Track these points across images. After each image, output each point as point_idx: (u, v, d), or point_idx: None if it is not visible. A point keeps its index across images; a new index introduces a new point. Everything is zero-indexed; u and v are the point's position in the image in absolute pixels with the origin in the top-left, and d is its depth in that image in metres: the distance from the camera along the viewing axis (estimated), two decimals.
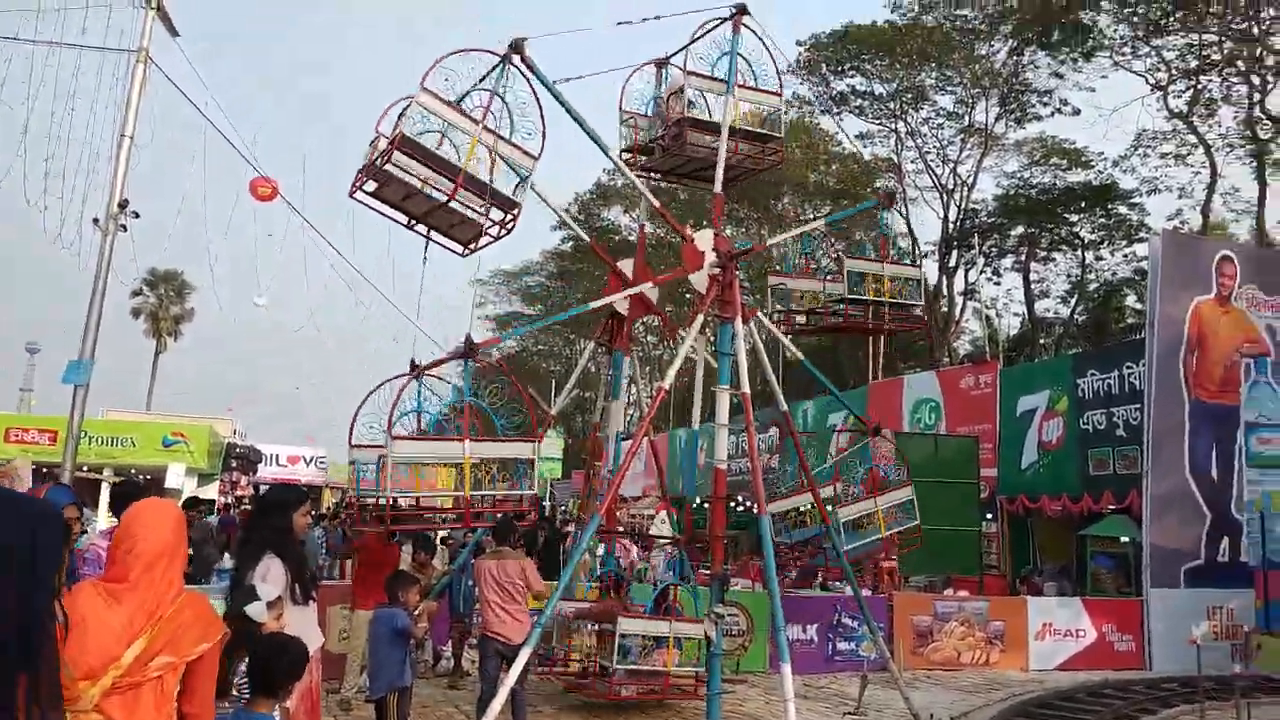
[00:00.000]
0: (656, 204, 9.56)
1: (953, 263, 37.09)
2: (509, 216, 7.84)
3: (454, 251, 8.15)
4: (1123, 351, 17.38)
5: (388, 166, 7.26)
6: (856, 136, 38.77)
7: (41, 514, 1.26)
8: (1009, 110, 32.92)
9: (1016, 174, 35.48)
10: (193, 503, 10.15)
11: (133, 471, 24.56)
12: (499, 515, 7.13)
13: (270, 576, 4.55)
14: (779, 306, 10.41)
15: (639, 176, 9.80)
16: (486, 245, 8.11)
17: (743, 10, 9.37)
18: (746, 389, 8.31)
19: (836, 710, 9.37)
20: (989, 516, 19.28)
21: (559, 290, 48.34)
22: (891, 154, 37.73)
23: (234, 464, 30.18)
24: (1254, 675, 10.79)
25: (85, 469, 23.97)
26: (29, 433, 24.23)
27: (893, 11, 33.14)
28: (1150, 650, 13.02)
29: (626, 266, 9.61)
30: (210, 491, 28.40)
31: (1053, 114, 31.96)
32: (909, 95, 35.48)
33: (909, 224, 38.74)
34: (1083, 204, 33.67)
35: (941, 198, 36.88)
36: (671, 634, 8.09)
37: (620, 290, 9.44)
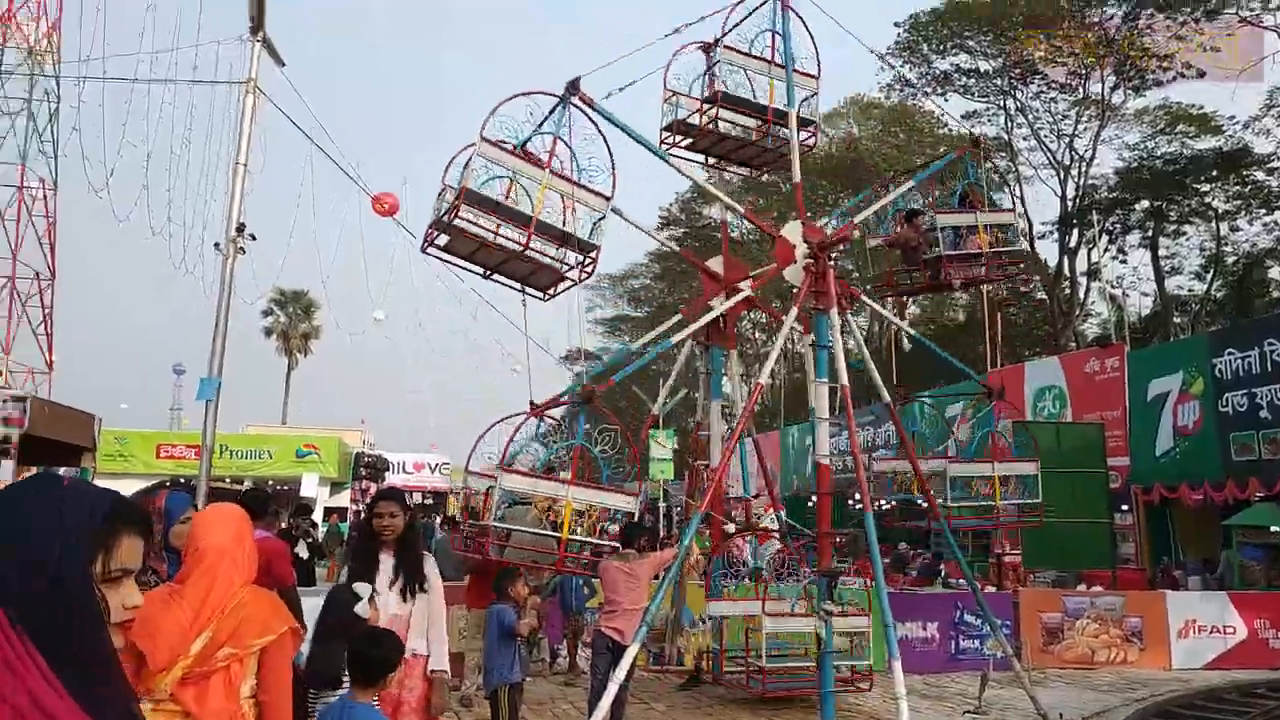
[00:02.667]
0: (726, 200, 9.58)
1: (1073, 242, 35.38)
2: (588, 259, 7.81)
3: (535, 297, 8.11)
4: (1264, 327, 16.17)
5: (456, 221, 7.22)
6: (963, 116, 37.47)
7: (80, 500, 1.34)
8: (1126, 78, 31.13)
9: (1139, 145, 33.58)
10: (303, 510, 10.66)
11: (269, 482, 26.01)
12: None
13: (382, 570, 4.71)
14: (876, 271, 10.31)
15: (693, 163, 9.76)
16: (567, 289, 8.09)
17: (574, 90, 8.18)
18: (845, 381, 8.13)
19: (958, 710, 9.05)
20: (1124, 508, 18.30)
21: (663, 291, 48.50)
22: (1001, 132, 36.29)
23: (363, 472, 31.51)
24: None
25: (228, 480, 25.55)
26: (177, 448, 25.98)
27: None
28: None
29: (717, 264, 9.57)
30: (343, 499, 29.81)
31: (1174, 79, 30.04)
32: (1017, 70, 33.99)
33: (1024, 203, 37.20)
34: (1214, 172, 31.56)
35: (1058, 174, 35.26)
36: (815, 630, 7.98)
37: (714, 288, 9.43)
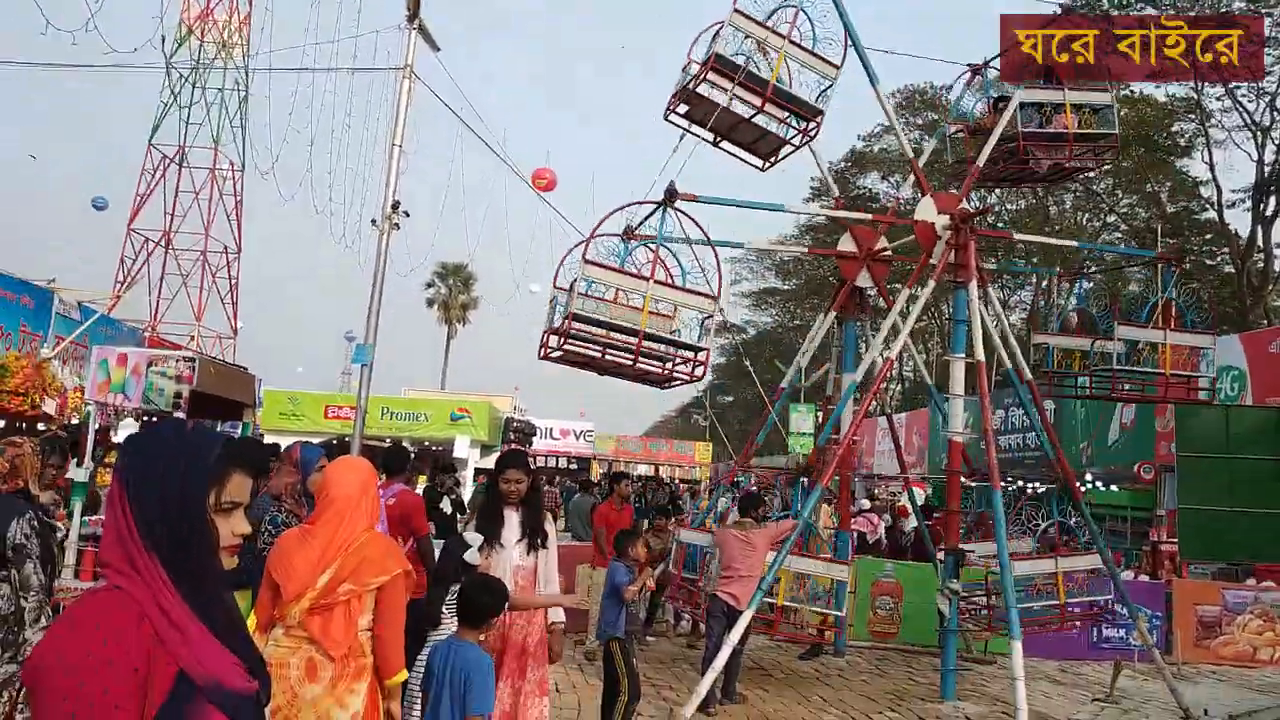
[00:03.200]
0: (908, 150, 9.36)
1: (1269, 211, 32.30)
2: (812, 125, 8.56)
3: (755, 166, 8.99)
4: None
5: (700, 88, 8.06)
6: (1147, 76, 34.77)
7: (195, 440, 1.61)
8: None
9: None
10: (447, 469, 11.37)
11: (425, 443, 27.62)
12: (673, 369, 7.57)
13: (508, 525, 5.06)
14: (1043, 369, 9.88)
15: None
16: (787, 155, 8.86)
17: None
18: (981, 356, 7.92)
19: (1089, 698, 8.72)
20: None
21: (812, 263, 47.69)
22: (1191, 92, 33.44)
23: (512, 436, 32.87)
24: None
25: (387, 441, 27.26)
26: (343, 409, 27.87)
27: None
28: None
29: (847, 242, 9.47)
30: (492, 461, 31.24)
31: None
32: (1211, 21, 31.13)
33: (1213, 171, 34.26)
34: None
35: (1255, 137, 32.21)
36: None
37: (853, 264, 9.34)
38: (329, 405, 27.86)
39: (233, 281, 34.61)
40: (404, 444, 13.27)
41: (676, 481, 38.65)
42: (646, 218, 7.93)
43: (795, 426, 28.84)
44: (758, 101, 8.08)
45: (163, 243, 33.84)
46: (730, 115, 8.28)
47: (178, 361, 6.78)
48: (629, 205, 7.73)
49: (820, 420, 10.68)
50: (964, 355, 8.04)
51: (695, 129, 8.61)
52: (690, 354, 7.65)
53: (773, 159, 8.82)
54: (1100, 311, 10.35)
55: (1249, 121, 32.09)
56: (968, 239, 8.16)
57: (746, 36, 8.09)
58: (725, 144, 8.69)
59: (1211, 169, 34.43)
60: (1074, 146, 9.18)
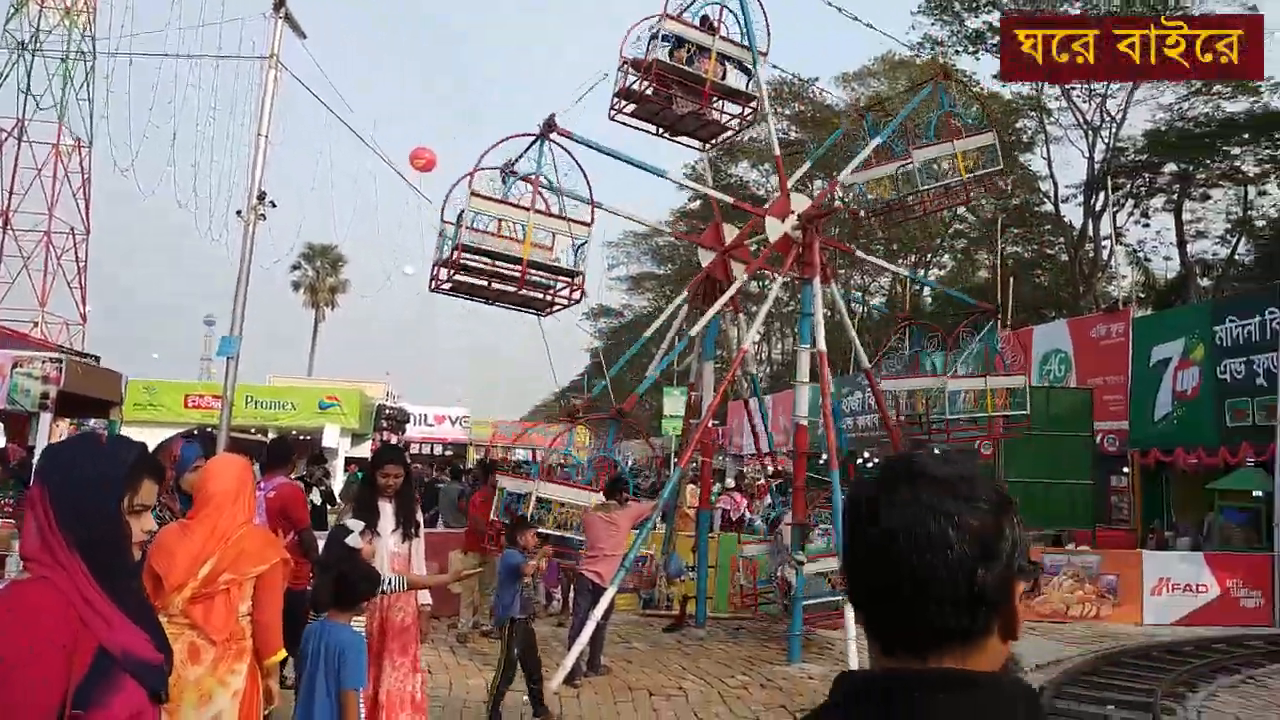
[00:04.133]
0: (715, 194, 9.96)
1: (1099, 205, 35.17)
2: (747, 109, 9.38)
3: (694, 148, 9.83)
4: (1265, 296, 16.34)
5: (458, 275, 8.11)
6: (994, 75, 37.15)
7: (112, 452, 1.92)
8: None
9: (1173, 105, 33.14)
10: (317, 460, 11.43)
11: (293, 432, 27.00)
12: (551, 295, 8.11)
13: (383, 516, 5.38)
14: (860, 200, 10.65)
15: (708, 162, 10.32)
16: (560, 310, 8.95)
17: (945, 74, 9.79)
18: (822, 347, 8.63)
19: None
20: (1125, 470, 18.70)
21: (687, 249, 48.73)
22: (1033, 90, 35.93)
23: (384, 424, 32.45)
24: None
25: (253, 431, 26.60)
26: (204, 398, 26.96)
27: None
28: (1278, 607, 12.52)
29: (731, 232, 10.05)
30: (364, 450, 30.73)
31: None
32: None
33: (1050, 166, 36.96)
34: (1245, 135, 31.14)
35: (1086, 136, 34.94)
36: None
37: (717, 239, 9.93)
38: (189, 395, 26.89)
39: (80, 264, 32.68)
40: (284, 436, 13.16)
41: (556, 465, 38.94)
42: (525, 151, 8.35)
43: (668, 410, 29.69)
44: (699, 100, 8.86)
45: (0, 222, 31.63)
46: (674, 112, 9.02)
47: (44, 363, 6.69)
48: (510, 138, 8.10)
49: (690, 407, 11.24)
50: (809, 345, 8.73)
51: (640, 124, 9.32)
52: (569, 278, 8.07)
53: (548, 311, 8.96)
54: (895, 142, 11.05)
55: (1082, 121, 34.76)
56: (813, 238, 8.86)
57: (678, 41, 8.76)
58: (667, 135, 9.40)
59: (1049, 165, 37.17)
60: (968, 188, 10.09)
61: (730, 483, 17.97)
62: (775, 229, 8.98)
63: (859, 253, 11.60)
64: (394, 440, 37.86)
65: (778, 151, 9.61)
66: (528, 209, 7.83)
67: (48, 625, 1.70)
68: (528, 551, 7.08)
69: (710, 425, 10.10)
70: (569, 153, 8.12)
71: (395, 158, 12.94)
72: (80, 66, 29.86)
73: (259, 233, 9.47)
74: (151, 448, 4.79)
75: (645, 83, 8.89)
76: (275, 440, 8.90)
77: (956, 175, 9.89)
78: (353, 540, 4.51)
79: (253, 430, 27.09)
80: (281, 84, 10.23)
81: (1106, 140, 34.08)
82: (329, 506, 11.34)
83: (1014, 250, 41.53)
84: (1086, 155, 34.78)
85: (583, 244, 8.27)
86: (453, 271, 7.75)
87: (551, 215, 7.99)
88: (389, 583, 5.01)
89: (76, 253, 32.64)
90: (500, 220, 8.04)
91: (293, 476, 8.24)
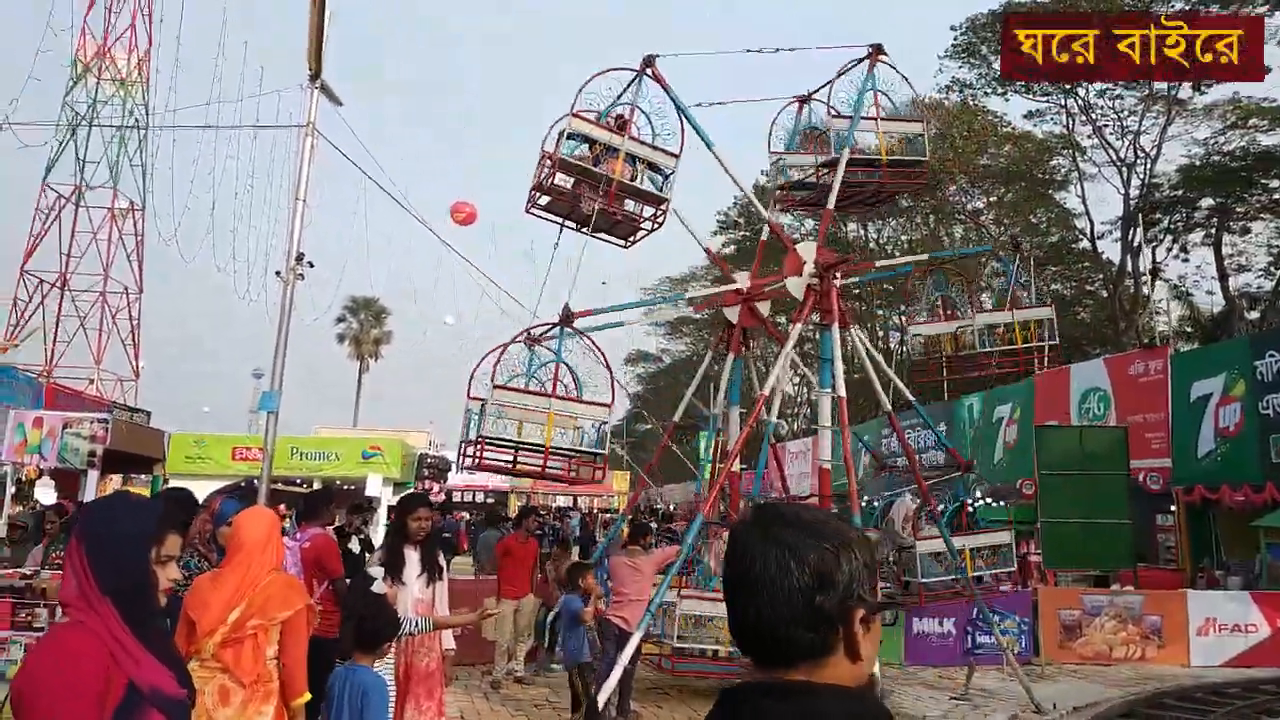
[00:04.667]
0: (765, 214, 10.23)
1: (1136, 241, 34.84)
2: (659, 211, 9.41)
3: (619, 245, 9.77)
4: None
5: (553, 183, 8.84)
6: (1025, 115, 37.30)
7: (138, 509, 2.16)
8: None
9: (1208, 140, 32.90)
10: (356, 509, 11.74)
11: (336, 482, 27.50)
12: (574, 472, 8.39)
13: (408, 562, 5.61)
14: (917, 353, 11.01)
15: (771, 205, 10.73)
16: (643, 237, 9.69)
17: (879, 50, 10.03)
18: (842, 392, 8.75)
19: (948, 697, 9.58)
20: (1171, 509, 18.35)
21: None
22: (1063, 129, 35.97)
23: (426, 473, 32.85)
24: None
25: (299, 482, 27.13)
26: (251, 451, 27.58)
27: None
28: None
29: (745, 277, 10.27)
30: None
31: None
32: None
33: (1085, 203, 36.78)
34: None
35: (1121, 173, 34.76)
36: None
37: (735, 298, 10.13)
38: (236, 447, 27.51)
39: (134, 322, 33.84)
40: (328, 487, 13.47)
41: (595, 510, 39.05)
42: (626, 88, 9.11)
43: (704, 454, 29.73)
44: (604, 200, 8.84)
45: (58, 284, 32.94)
46: (586, 207, 9.00)
47: (92, 423, 7.07)
48: (530, 328, 8.58)
49: (715, 452, 11.39)
50: (830, 390, 8.85)
51: (557, 219, 9.33)
52: (591, 460, 8.42)
53: (632, 239, 9.59)
54: (957, 297, 11.51)
55: (1115, 158, 34.63)
56: (830, 285, 9.02)
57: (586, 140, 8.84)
58: (586, 230, 9.36)
59: (1084, 201, 36.96)
60: (887, 171, 10.13)
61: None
62: (796, 286, 9.19)
63: (878, 263, 11.84)
64: (435, 489, 38.36)
65: (832, 204, 9.77)
66: (549, 395, 8.20)
67: (85, 665, 1.93)
68: (587, 595, 7.31)
69: (734, 471, 10.21)
70: (666, 89, 8.88)
71: (434, 211, 13.44)
72: (134, 133, 31.23)
73: (299, 291, 9.90)
74: (202, 499, 5.08)
75: (552, 179, 8.95)
76: (311, 492, 9.17)
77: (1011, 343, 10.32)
78: (377, 587, 4.72)
79: (298, 481, 27.64)
80: (318, 150, 10.72)
81: (1141, 176, 33.87)
82: (367, 555, 11.60)
83: (1054, 288, 41.19)
84: (1121, 192, 34.57)
85: (671, 174, 9.05)
86: (479, 456, 8.17)
87: (572, 400, 8.33)
88: (415, 625, 5.21)
89: (130, 311, 33.82)
90: (594, 146, 8.80)
91: (333, 526, 8.54)
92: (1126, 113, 33.99)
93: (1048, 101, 35.62)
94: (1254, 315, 34.09)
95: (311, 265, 9.91)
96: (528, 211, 9.39)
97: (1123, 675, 11.28)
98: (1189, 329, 38.72)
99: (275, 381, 9.44)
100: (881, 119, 9.82)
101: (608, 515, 34.75)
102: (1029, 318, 10.45)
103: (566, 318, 8.39)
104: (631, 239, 9.74)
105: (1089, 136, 35.24)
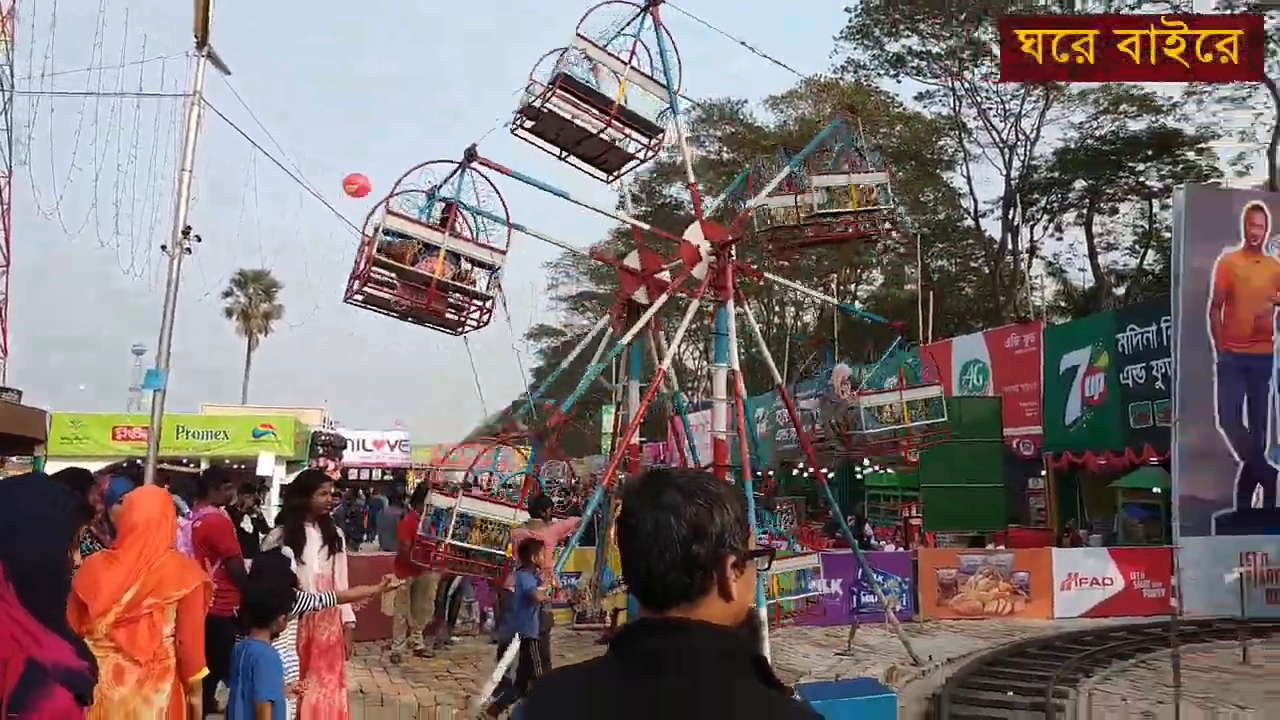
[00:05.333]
0: (630, 222, 10.35)
1: (1016, 220, 36.62)
2: (654, 140, 9.42)
3: (599, 178, 9.78)
4: (1160, 306, 17.37)
5: (548, 106, 8.72)
6: (916, 97, 38.57)
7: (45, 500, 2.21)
8: None
9: (1083, 124, 34.75)
10: (247, 489, 11.51)
11: (226, 461, 26.66)
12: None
13: (310, 539, 5.64)
14: (760, 229, 11.05)
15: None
16: (632, 169, 9.73)
17: (654, 1, 9.54)
18: (736, 365, 9.06)
19: (844, 655, 10.12)
20: (1041, 474, 19.59)
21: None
22: (951, 112, 37.41)
23: (320, 450, 32.12)
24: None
25: (185, 461, 26.19)
26: (133, 430, 26.47)
27: None
28: (1181, 595, 13.28)
29: (635, 259, 10.42)
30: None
31: None
32: (967, 52, 34.98)
33: (970, 183, 38.42)
34: (1148, 152, 32.81)
35: (1003, 154, 36.40)
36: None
37: (633, 279, 10.29)
38: (117, 426, 26.34)
39: (1, 297, 31.81)
40: (218, 466, 13.13)
41: (497, 488, 38.84)
42: (447, 178, 8.61)
43: (607, 428, 30.02)
44: (602, 121, 8.90)
45: None
46: (577, 131, 8.99)
47: None
48: (428, 164, 8.31)
49: (615, 426, 11.59)
50: (724, 364, 9.16)
51: (541, 143, 9.24)
52: (480, 302, 8.33)
53: (618, 172, 9.65)
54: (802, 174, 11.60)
55: (998, 140, 36.24)
56: (725, 263, 9.29)
57: (589, 61, 8.87)
58: (572, 158, 9.37)
59: (969, 181, 38.61)
60: (855, 222, 10.47)
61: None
62: (701, 272, 9.40)
63: (767, 274, 12.07)
64: (330, 466, 37.47)
65: (692, 179, 10.02)
66: (443, 231, 8.04)
67: None
68: (540, 572, 7.41)
69: (634, 443, 10.46)
70: (489, 180, 8.38)
71: (330, 187, 13.13)
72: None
73: (187, 265, 9.59)
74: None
75: (549, 96, 8.77)
76: (205, 471, 8.95)
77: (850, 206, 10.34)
78: (294, 567, 4.78)
79: (185, 461, 26.64)
80: (206, 120, 10.37)
81: (1021, 158, 35.57)
82: (260, 534, 11.39)
83: (940, 264, 42.96)
84: (1003, 172, 36.23)
85: (666, 108, 9.02)
86: (364, 283, 7.95)
87: (467, 240, 8.21)
88: (317, 600, 5.25)
89: None
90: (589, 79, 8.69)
91: (225, 506, 8.39)
92: (1009, 96, 35.60)
93: (937, 84, 36.96)
94: (1120, 291, 36.37)
95: (199, 239, 9.62)
96: (514, 133, 9.20)
97: (992, 628, 12.09)
98: (1063, 304, 41.05)
99: (162, 359, 9.17)
100: (631, 68, 9.53)
101: (511, 490, 34.64)
102: (865, 181, 10.44)
103: (470, 156, 8.24)
104: (618, 172, 9.84)
105: (975, 119, 36.79)
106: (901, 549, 14.07)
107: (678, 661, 1.24)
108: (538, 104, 8.76)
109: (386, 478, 39.85)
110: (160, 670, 3.72)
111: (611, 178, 9.69)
